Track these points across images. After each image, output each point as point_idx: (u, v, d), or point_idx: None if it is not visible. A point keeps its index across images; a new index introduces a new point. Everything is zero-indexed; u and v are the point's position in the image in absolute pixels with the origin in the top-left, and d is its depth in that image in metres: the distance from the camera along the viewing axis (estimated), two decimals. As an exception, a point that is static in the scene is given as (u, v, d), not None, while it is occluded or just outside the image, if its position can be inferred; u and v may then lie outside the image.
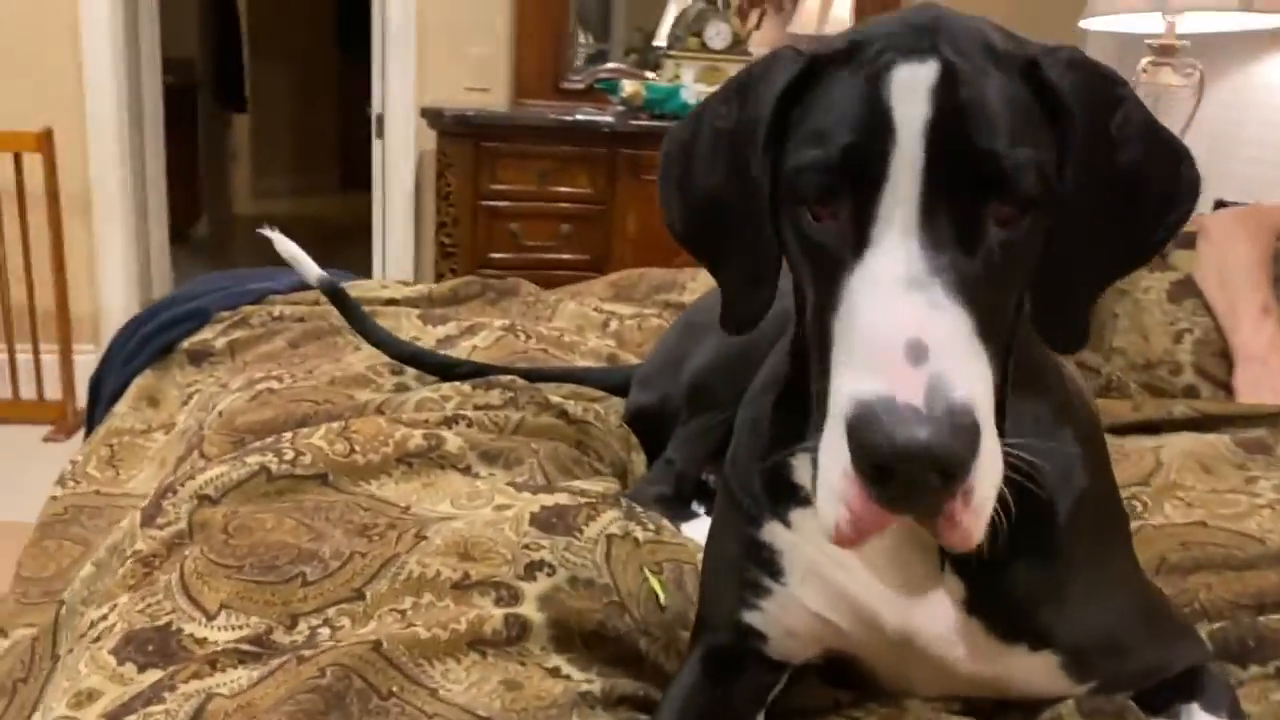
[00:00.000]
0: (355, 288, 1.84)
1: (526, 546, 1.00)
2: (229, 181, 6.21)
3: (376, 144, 3.64)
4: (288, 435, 1.16)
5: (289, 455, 1.12)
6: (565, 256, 3.20)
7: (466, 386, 1.37)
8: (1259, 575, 1.09)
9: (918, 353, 0.57)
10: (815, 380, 0.67)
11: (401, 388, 1.43)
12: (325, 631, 0.88)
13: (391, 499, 1.09)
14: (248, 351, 1.62)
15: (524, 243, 3.20)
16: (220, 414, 1.33)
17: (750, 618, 0.84)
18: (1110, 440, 1.50)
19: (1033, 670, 0.80)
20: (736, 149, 0.72)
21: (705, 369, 1.26)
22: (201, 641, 0.85)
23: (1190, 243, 1.87)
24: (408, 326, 1.65)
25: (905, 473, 0.56)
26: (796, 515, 0.82)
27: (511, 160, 3.17)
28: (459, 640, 0.86)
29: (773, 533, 0.83)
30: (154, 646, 0.84)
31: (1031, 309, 0.69)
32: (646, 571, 1.03)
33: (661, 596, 1.00)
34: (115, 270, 3.49)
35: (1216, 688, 0.86)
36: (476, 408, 1.32)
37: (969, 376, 0.58)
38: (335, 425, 1.18)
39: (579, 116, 3.23)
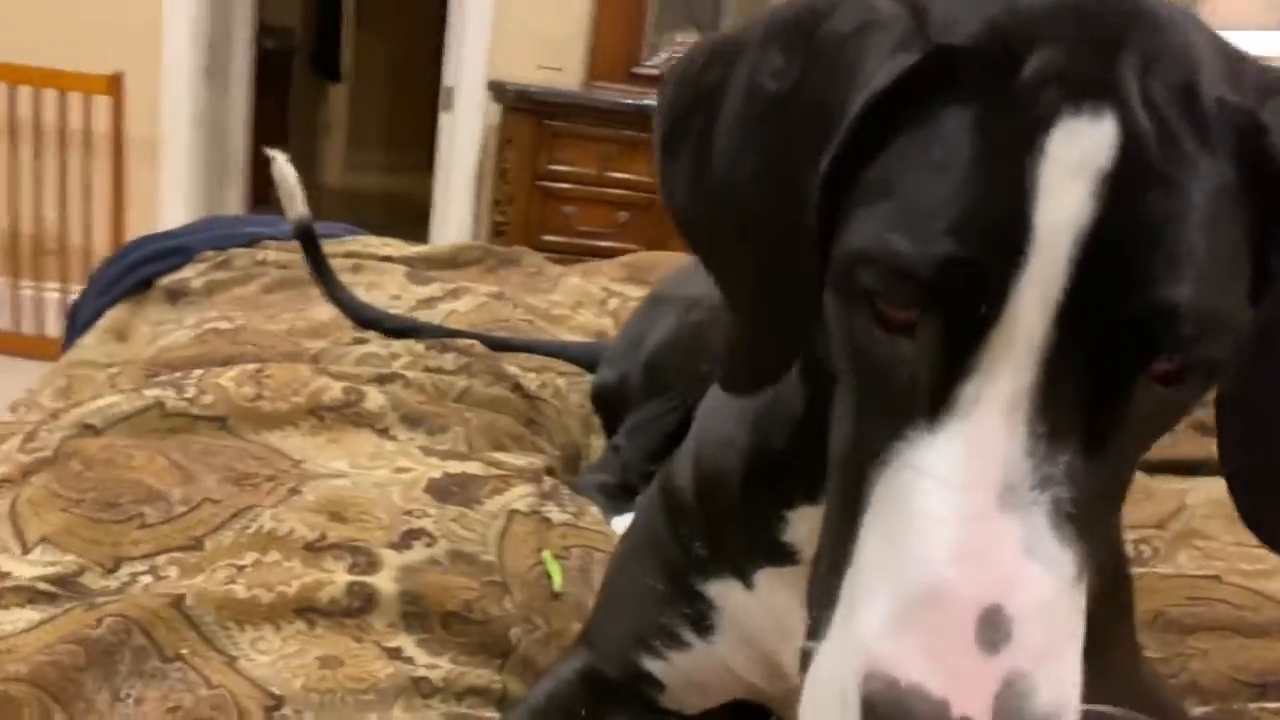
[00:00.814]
0: (356, 242, 1.77)
1: (409, 513, 0.89)
2: (319, 151, 6.26)
3: (444, 117, 3.59)
4: (197, 373, 1.07)
5: (190, 393, 1.03)
6: (619, 245, 3.10)
7: (420, 347, 1.27)
8: (1268, 646, 0.93)
9: (995, 630, 0.38)
10: (831, 444, 0.49)
11: (360, 342, 1.33)
12: (146, 579, 0.79)
13: (287, 451, 0.99)
14: (223, 293, 1.54)
15: (578, 227, 3.11)
16: (158, 350, 1.25)
17: (651, 665, 0.71)
18: (1138, 477, 1.34)
19: None
20: (792, 133, 0.48)
21: (660, 347, 1.14)
22: (4, 575, 0.76)
23: None
24: (389, 284, 1.56)
25: None
26: (765, 576, 0.65)
27: (573, 141, 3.08)
28: (284, 605, 0.75)
29: (722, 590, 0.67)
30: (-53, 574, 0.75)
31: (1238, 497, 0.48)
32: (546, 553, 0.91)
33: (556, 581, 0.89)
34: (177, 221, 3.50)
35: None
36: (426, 369, 1.22)
37: (1063, 669, 0.39)
38: (250, 368, 1.09)
39: (646, 101, 3.12)
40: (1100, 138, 0.40)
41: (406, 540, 0.86)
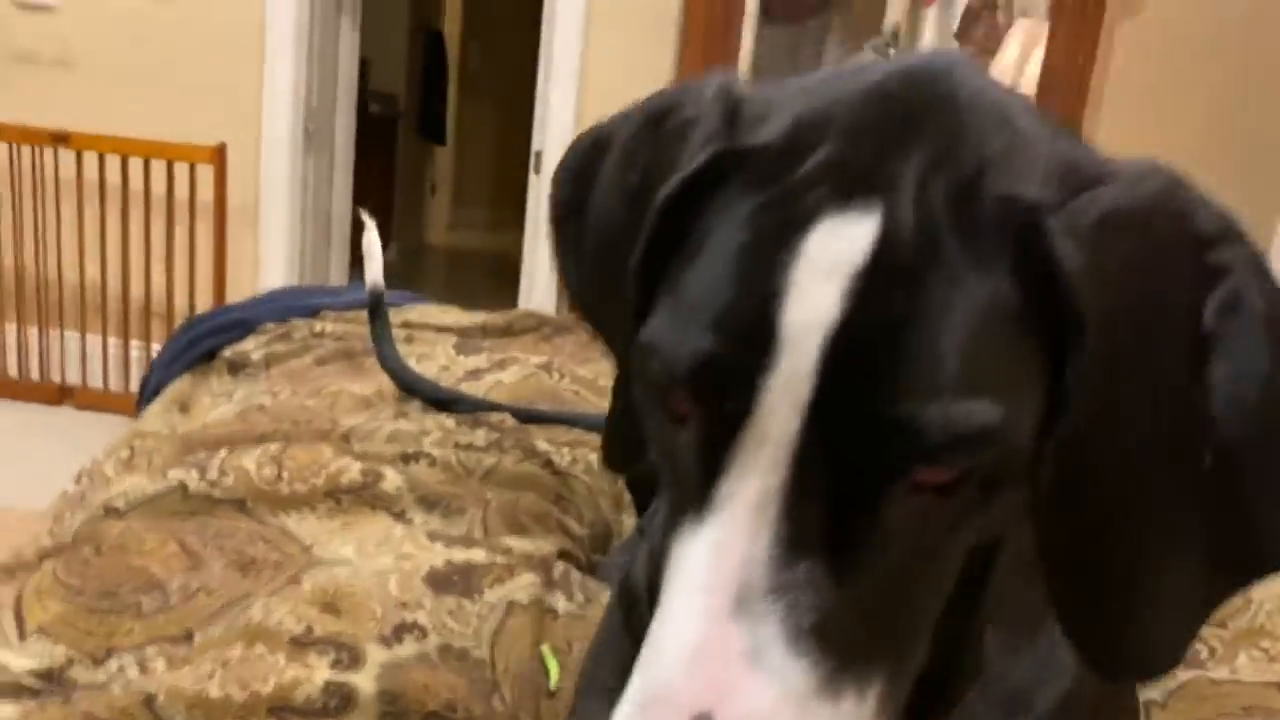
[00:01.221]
0: (414, 310, 1.80)
1: (404, 604, 0.88)
2: (424, 211, 6.44)
3: (533, 179, 3.65)
4: (222, 453, 1.09)
5: (213, 475, 1.05)
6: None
7: (452, 422, 1.27)
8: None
9: None
10: None
11: (400, 416, 1.35)
12: (134, 672, 0.79)
13: (299, 535, 1.00)
14: (280, 365, 1.58)
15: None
16: (200, 425, 1.28)
17: None
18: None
19: None
20: (630, 224, 0.49)
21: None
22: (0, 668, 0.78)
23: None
24: (439, 355, 1.57)
25: None
26: None
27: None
28: (258, 704, 0.75)
29: None
30: (-57, 664, 0.78)
31: (1058, 614, 0.44)
32: (544, 647, 0.89)
33: (552, 678, 0.87)
34: (276, 284, 3.62)
35: None
36: (456, 445, 1.22)
37: None
38: (273, 448, 1.10)
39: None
40: (858, 237, 0.39)
41: (397, 634, 0.85)
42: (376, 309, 1.44)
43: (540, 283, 3.63)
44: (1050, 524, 0.41)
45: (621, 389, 0.57)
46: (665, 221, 0.46)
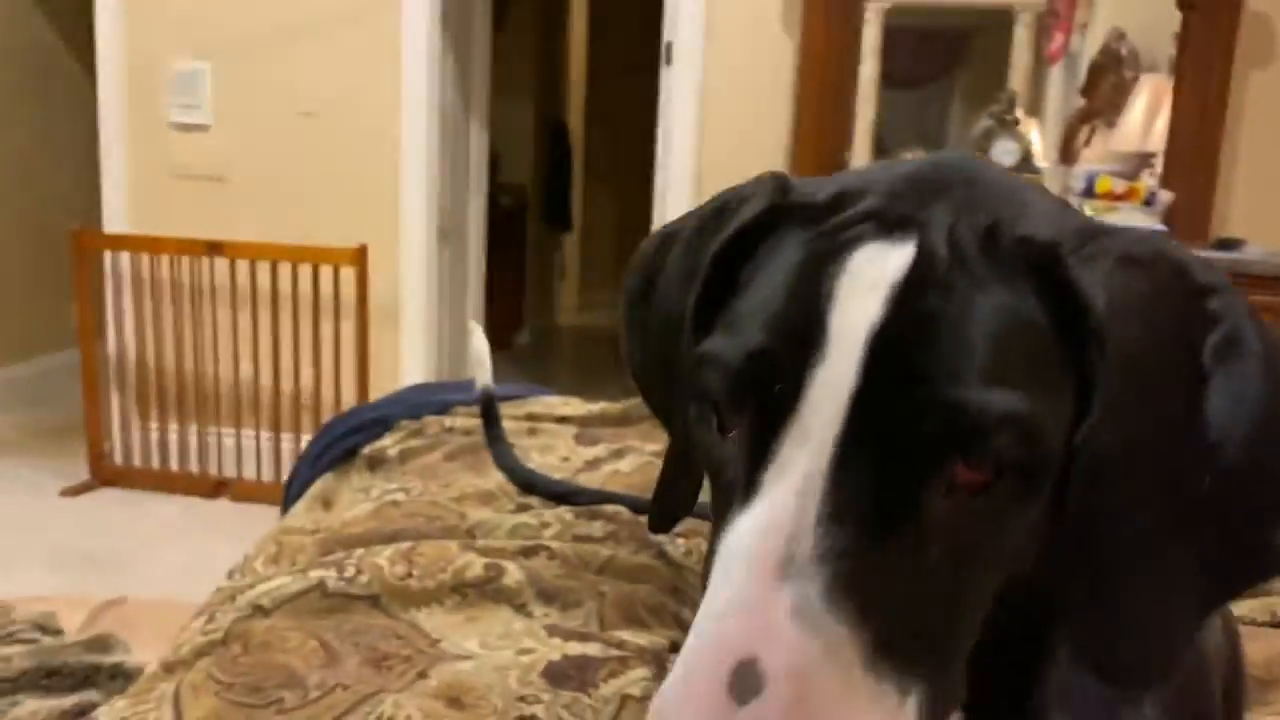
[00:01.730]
0: (537, 403, 1.87)
1: (523, 699, 0.93)
2: (554, 294, 6.62)
3: (656, 262, 3.73)
4: (359, 552, 1.17)
5: (349, 573, 1.12)
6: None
7: (569, 514, 1.32)
8: None
9: (746, 682, 0.38)
10: None
11: (523, 508, 1.41)
12: (284, 769, 0.86)
13: (429, 629, 1.06)
14: (414, 460, 1.67)
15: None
16: (340, 524, 1.36)
17: None
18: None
19: None
20: (679, 293, 0.57)
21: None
22: (155, 759, 0.85)
23: None
24: (560, 446, 1.64)
25: None
26: None
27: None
28: (388, 796, 0.80)
29: None
30: (109, 757, 0.85)
31: (1068, 626, 0.47)
32: None
33: None
34: (417, 376, 3.78)
35: None
36: (574, 538, 1.27)
37: None
38: (404, 546, 1.17)
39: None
40: (898, 257, 0.46)
41: (517, 729, 0.89)
42: (488, 412, 1.51)
43: (666, 364, 3.69)
44: (1071, 537, 0.44)
45: (674, 460, 0.64)
46: (719, 271, 0.54)
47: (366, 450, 1.73)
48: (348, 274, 3.47)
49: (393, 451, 1.71)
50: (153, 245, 3.51)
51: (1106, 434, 0.43)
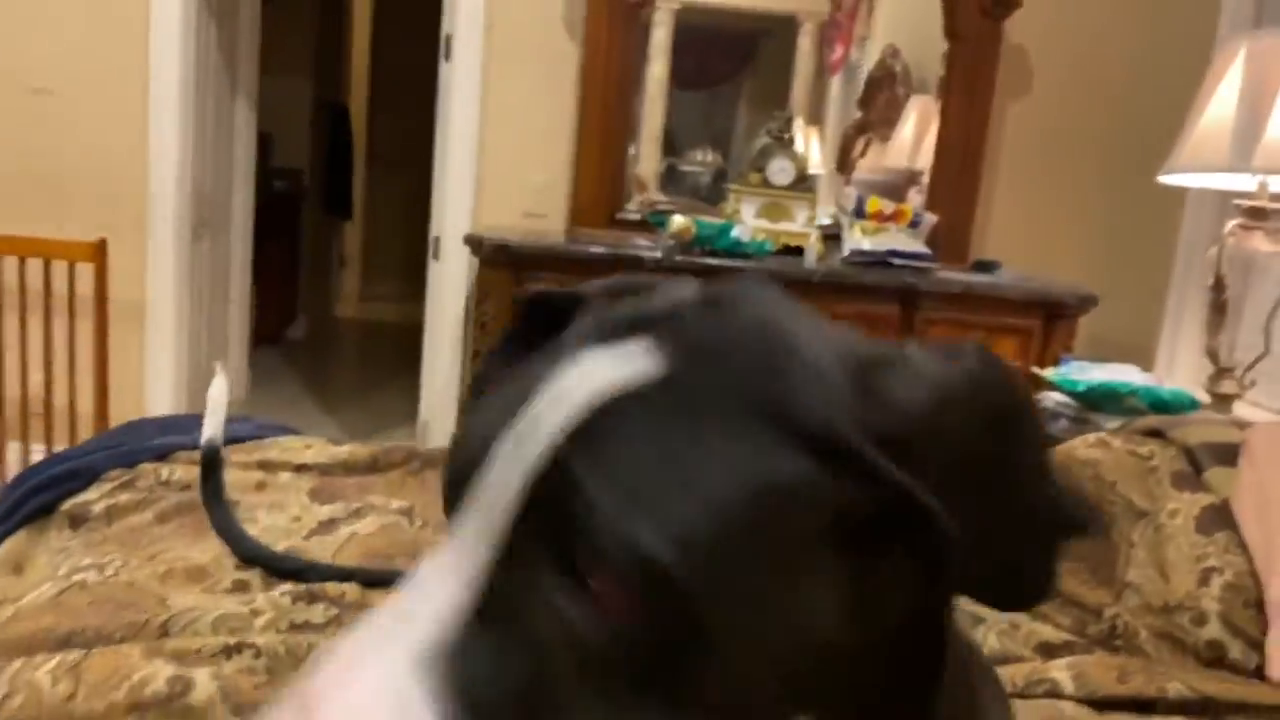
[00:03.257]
0: (275, 446, 1.71)
1: None
2: (332, 285, 6.33)
3: (432, 265, 3.58)
4: (16, 664, 1.00)
5: (0, 691, 0.96)
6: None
7: (287, 599, 1.19)
8: None
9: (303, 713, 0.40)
10: None
11: (240, 586, 1.26)
12: None
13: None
14: (121, 519, 1.49)
15: (558, 379, 3.05)
16: (6, 619, 1.18)
17: None
18: (1087, 715, 1.22)
19: None
20: None
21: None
22: None
23: (1231, 459, 1.55)
24: (292, 503, 1.49)
25: None
26: None
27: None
28: None
29: None
30: None
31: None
32: None
33: None
34: (164, 381, 3.50)
35: None
36: (291, 627, 1.14)
37: None
38: (72, 656, 1.01)
39: (624, 250, 3.09)
40: (619, 371, 0.43)
41: None
42: (209, 468, 1.36)
43: (440, 374, 3.55)
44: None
45: None
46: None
47: (67, 505, 1.54)
48: (85, 269, 3.15)
49: (98, 507, 1.52)
50: None
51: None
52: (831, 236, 3.35)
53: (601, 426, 0.42)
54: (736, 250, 3.06)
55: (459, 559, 0.43)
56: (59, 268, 3.16)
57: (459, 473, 0.45)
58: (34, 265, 3.15)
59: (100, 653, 1.02)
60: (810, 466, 0.42)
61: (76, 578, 1.26)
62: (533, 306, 0.58)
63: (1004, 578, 0.50)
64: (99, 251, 3.15)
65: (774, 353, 0.44)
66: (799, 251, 3.20)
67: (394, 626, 0.42)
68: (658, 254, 3.03)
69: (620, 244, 3.15)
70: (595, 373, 0.43)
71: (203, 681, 1.00)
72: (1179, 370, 3.35)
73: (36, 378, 3.23)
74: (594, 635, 0.41)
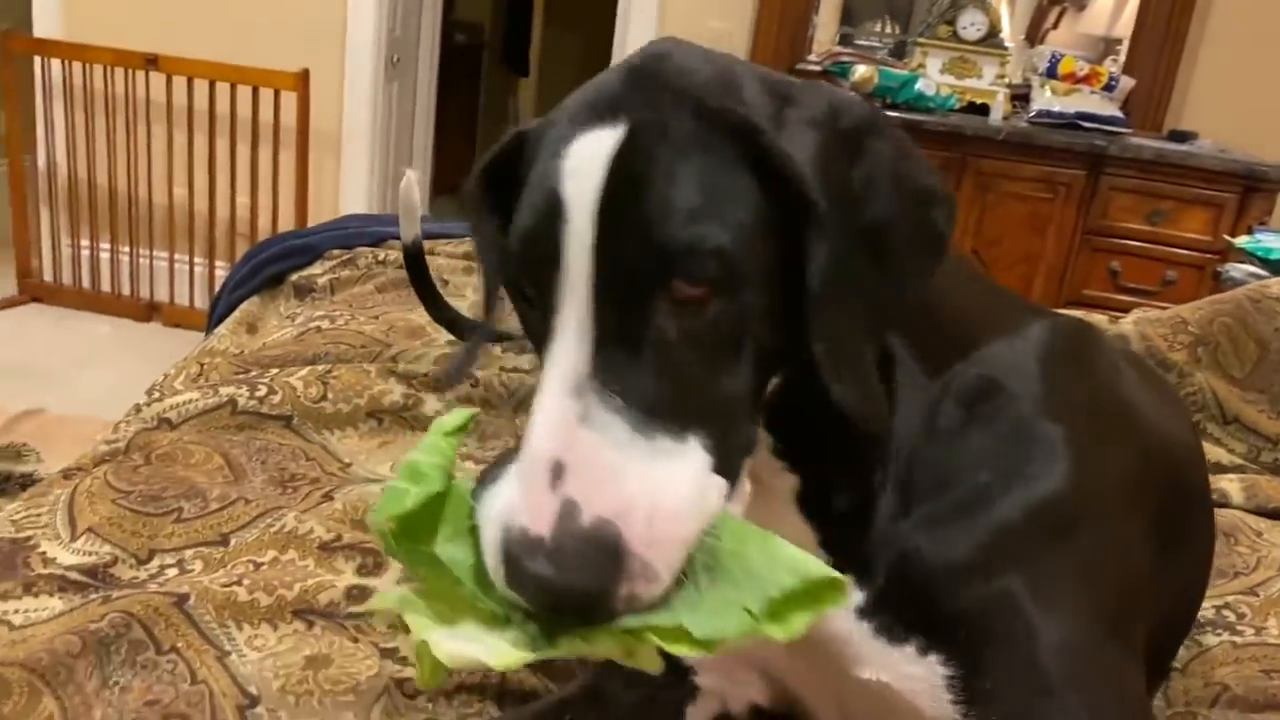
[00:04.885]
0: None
1: (429, 523, 0.92)
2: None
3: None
4: (273, 371, 1.14)
5: (261, 392, 1.10)
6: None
7: (500, 348, 1.30)
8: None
9: (557, 474, 0.53)
10: None
11: (451, 342, 1.38)
12: (173, 571, 0.85)
13: (339, 453, 1.05)
14: (344, 290, 1.63)
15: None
16: (261, 344, 1.33)
17: None
18: (1255, 523, 1.24)
19: (916, 681, 0.68)
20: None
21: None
22: (49, 561, 0.84)
23: None
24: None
25: (538, 604, 0.54)
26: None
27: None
28: (283, 607, 0.80)
29: None
30: (1, 559, 0.83)
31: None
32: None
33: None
34: (356, 209, 3.69)
35: None
36: (501, 369, 1.25)
37: (610, 495, 0.53)
38: (320, 368, 1.15)
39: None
40: (609, 136, 0.56)
41: (420, 549, 0.89)
42: (416, 264, 1.44)
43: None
44: (813, 324, 0.58)
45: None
46: (495, 195, 0.64)
47: (294, 277, 1.69)
48: (289, 99, 3.34)
49: (322, 280, 1.67)
50: (87, 54, 3.34)
51: (824, 244, 0.57)
52: (1019, 97, 3.26)
53: (626, 176, 0.55)
54: (919, 104, 3.02)
55: (577, 312, 0.55)
56: (265, 96, 3.35)
57: (531, 246, 0.57)
58: (244, 93, 3.35)
59: (345, 368, 1.15)
60: (747, 167, 0.57)
61: (313, 324, 1.40)
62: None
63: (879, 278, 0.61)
64: (302, 81, 3.32)
65: (722, 89, 0.59)
66: (984, 110, 3.13)
67: (562, 383, 0.54)
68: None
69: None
70: (596, 143, 0.55)
71: (430, 401, 1.12)
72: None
73: (242, 200, 3.46)
74: (685, 323, 0.55)
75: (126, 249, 3.56)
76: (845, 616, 0.69)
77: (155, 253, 3.57)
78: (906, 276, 0.63)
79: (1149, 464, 0.78)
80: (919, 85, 3.01)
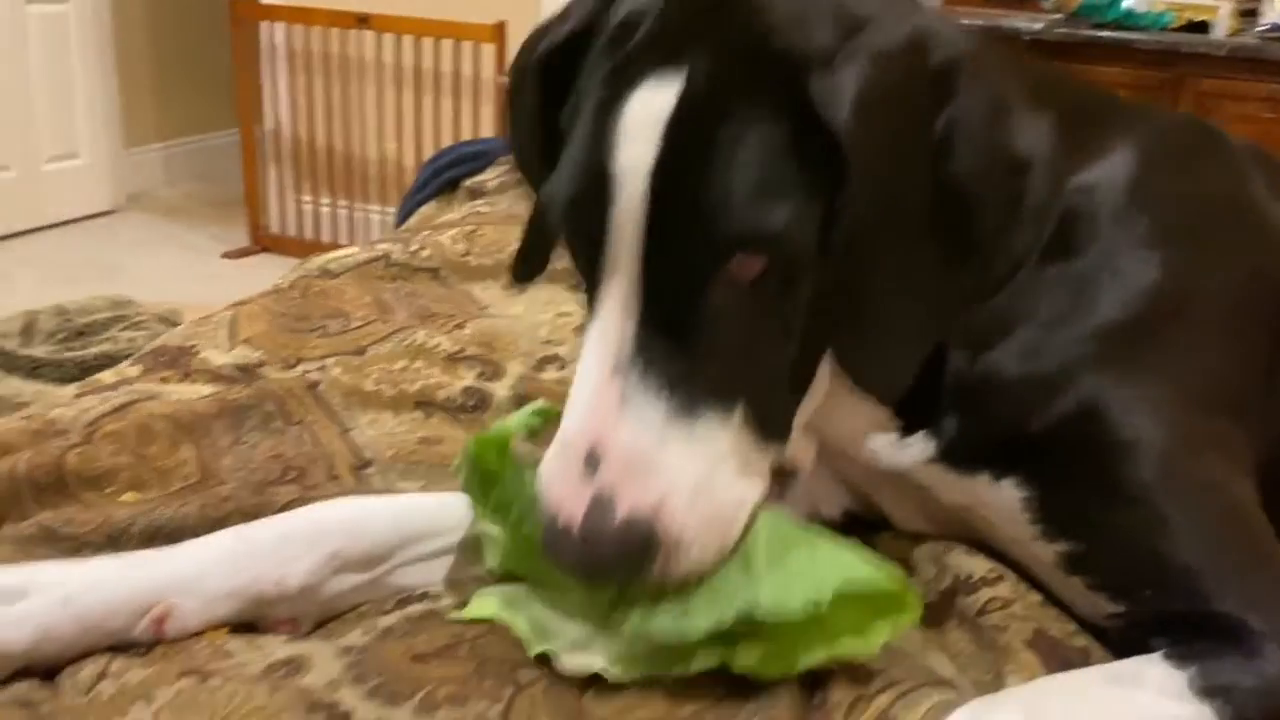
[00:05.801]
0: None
1: (549, 342, 0.97)
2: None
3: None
4: (425, 232, 1.21)
5: (413, 247, 1.17)
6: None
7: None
8: None
9: (592, 463, 0.52)
10: None
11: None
12: (316, 375, 0.92)
13: (480, 299, 1.10)
14: (513, 190, 1.70)
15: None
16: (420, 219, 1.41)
17: None
18: None
19: (993, 506, 0.66)
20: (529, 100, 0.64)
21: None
22: (205, 362, 0.93)
23: None
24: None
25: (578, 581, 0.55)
26: None
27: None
28: (405, 399, 0.85)
29: None
30: (167, 358, 0.93)
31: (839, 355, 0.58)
32: None
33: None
34: (554, 161, 3.81)
35: (1246, 665, 0.57)
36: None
37: (649, 485, 0.52)
38: (468, 228, 1.21)
39: (1003, 23, 2.95)
40: (664, 99, 0.52)
41: (539, 362, 0.93)
42: None
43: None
44: (838, 288, 0.54)
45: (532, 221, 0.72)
46: (554, 78, 0.60)
47: (468, 182, 1.77)
48: (488, 50, 3.47)
49: (492, 184, 1.74)
50: (305, 16, 3.58)
51: (856, 218, 0.52)
52: (1247, 13, 3.01)
53: (678, 148, 0.51)
54: (1128, 22, 2.84)
55: (623, 289, 0.53)
56: (465, 50, 3.50)
57: (576, 215, 0.54)
58: (445, 48, 3.51)
59: (490, 226, 1.21)
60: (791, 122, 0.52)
61: (480, 211, 1.47)
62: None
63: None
64: (499, 32, 3.44)
65: (792, 22, 0.53)
66: (1203, 28, 2.91)
67: (604, 363, 0.53)
68: (1037, 27, 2.88)
69: (996, 18, 3.01)
70: (651, 104, 0.52)
71: (565, 259, 1.17)
72: None
73: (446, 153, 3.63)
74: (735, 303, 0.53)
75: (345, 203, 3.81)
76: (919, 462, 0.67)
77: (369, 206, 3.79)
78: (987, 255, 0.55)
79: (1264, 277, 0.71)
80: (1128, 2, 2.84)
